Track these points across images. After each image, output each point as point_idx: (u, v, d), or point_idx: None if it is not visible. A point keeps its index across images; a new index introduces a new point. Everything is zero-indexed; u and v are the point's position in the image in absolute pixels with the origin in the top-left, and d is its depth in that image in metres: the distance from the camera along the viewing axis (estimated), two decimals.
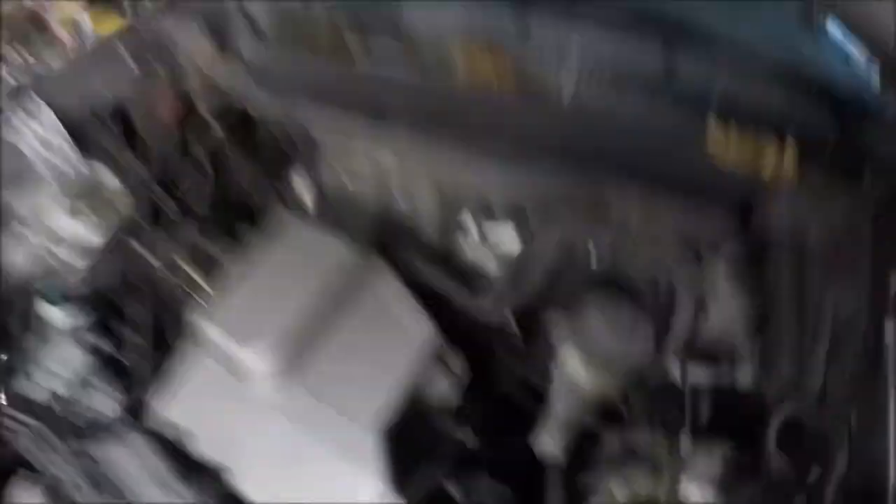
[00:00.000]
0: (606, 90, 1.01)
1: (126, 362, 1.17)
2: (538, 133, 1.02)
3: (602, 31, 1.03)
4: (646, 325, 0.97)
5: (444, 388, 0.94)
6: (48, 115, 1.33)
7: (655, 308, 0.99)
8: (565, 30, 1.05)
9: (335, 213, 1.24)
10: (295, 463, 0.90)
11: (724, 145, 0.94)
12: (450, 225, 1.16)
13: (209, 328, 1.01)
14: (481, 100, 1.09)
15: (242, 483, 0.93)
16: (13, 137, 1.35)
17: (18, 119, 1.34)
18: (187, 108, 1.36)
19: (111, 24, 2.23)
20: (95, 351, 1.18)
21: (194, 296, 1.18)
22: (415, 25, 1.16)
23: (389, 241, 1.13)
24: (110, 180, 1.35)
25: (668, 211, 0.96)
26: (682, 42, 0.98)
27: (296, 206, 1.31)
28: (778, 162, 0.91)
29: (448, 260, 1.14)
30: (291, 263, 1.05)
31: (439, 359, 0.94)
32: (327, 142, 1.27)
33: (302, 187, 1.32)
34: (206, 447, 0.96)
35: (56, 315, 1.21)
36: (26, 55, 2.78)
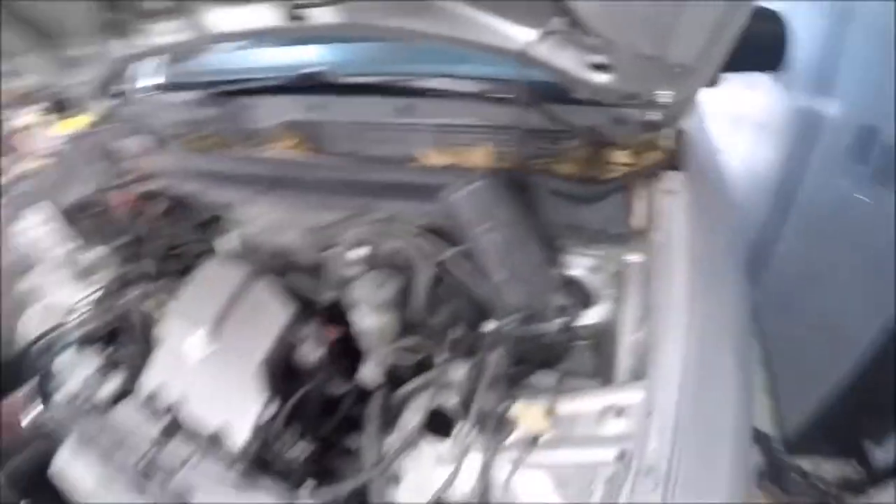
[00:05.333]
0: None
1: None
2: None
3: None
4: None
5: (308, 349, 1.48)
6: (48, 209, 1.96)
7: None
8: None
9: (245, 253, 1.85)
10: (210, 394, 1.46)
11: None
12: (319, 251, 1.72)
13: (168, 324, 1.59)
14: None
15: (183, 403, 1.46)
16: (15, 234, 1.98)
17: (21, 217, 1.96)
18: (135, 198, 2.00)
19: (77, 122, 2.50)
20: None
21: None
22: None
23: (278, 266, 1.73)
24: (94, 253, 1.96)
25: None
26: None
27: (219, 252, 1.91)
28: None
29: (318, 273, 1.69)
30: (213, 285, 1.64)
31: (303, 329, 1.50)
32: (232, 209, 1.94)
33: (222, 241, 1.94)
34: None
35: (70, 358, 1.73)
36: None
